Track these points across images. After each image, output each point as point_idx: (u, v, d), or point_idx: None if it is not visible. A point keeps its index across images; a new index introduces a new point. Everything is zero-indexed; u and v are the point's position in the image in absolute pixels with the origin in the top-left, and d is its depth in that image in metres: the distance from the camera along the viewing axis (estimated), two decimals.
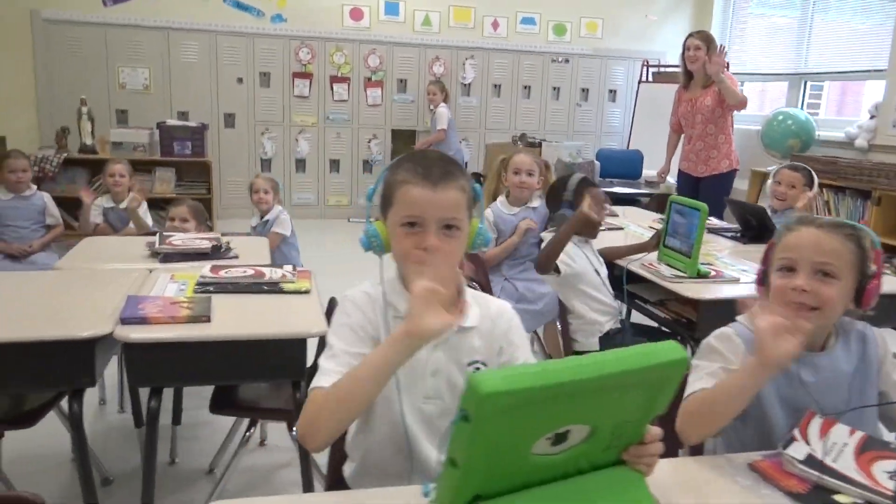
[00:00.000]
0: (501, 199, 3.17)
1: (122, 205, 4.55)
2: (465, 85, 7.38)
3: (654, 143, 6.48)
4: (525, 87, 7.58)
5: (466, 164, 7.15)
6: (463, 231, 1.27)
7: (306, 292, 2.13)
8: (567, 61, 7.60)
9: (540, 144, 5.97)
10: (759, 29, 7.36)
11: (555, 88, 7.66)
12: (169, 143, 5.72)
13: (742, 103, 4.50)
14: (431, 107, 6.78)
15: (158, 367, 1.75)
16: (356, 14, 6.96)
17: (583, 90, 7.76)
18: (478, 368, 1.32)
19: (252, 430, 2.08)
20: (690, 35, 4.70)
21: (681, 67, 4.83)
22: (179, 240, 2.61)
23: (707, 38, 4.61)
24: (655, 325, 2.72)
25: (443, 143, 6.64)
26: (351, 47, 6.99)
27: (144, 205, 4.59)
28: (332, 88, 7.03)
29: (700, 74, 4.64)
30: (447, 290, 1.14)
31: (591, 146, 7.34)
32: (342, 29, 6.96)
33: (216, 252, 2.50)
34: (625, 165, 5.82)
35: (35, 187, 4.43)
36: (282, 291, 2.12)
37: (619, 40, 7.73)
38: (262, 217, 4.29)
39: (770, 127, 6.06)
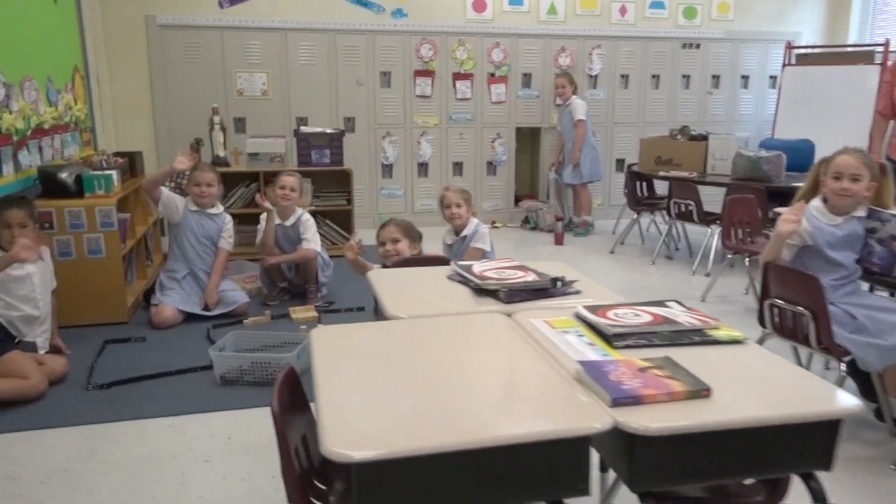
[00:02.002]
0: (817, 203, 2.66)
1: (289, 222, 4.15)
2: (591, 77, 6.87)
3: (805, 130, 5.93)
4: (654, 77, 7.05)
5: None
6: None
7: (740, 342, 1.65)
8: (698, 46, 7.06)
9: (706, 137, 5.44)
10: None
11: (685, 76, 7.13)
12: (306, 151, 5.29)
13: None
14: (559, 101, 6.29)
15: (665, 463, 1.29)
16: (479, 5, 6.49)
17: (714, 77, 7.21)
18: None
19: None
20: None
21: None
22: (491, 270, 2.15)
23: None
24: None
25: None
26: (474, 41, 6.52)
27: (314, 228, 4.19)
28: (454, 86, 6.56)
29: None
30: None
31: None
32: (464, 22, 6.49)
33: (554, 286, 2.03)
34: (795, 157, 5.26)
35: (221, 207, 4.03)
36: (714, 342, 1.64)
37: (750, 22, 7.17)
38: (457, 233, 3.83)
39: None
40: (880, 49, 6.14)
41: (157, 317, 3.73)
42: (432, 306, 1.94)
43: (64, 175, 3.71)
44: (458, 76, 6.55)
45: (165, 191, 3.94)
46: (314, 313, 3.96)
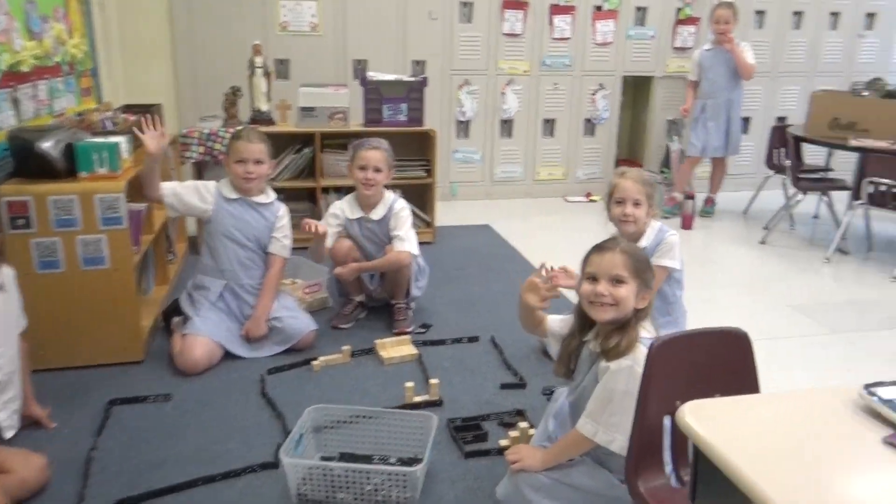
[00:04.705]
0: None
1: (375, 214, 2.90)
2: None
3: None
4: (795, 14, 5.62)
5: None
6: None
7: None
8: None
9: None
10: None
11: (833, 14, 5.68)
12: (376, 106, 3.99)
13: None
14: (711, 44, 4.74)
15: None
16: None
17: (868, 15, 5.76)
18: None
19: None
20: None
21: None
22: None
23: None
24: None
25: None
26: None
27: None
28: (551, 22, 5.18)
29: None
30: None
31: None
32: None
33: None
34: None
35: (273, 193, 2.79)
36: None
37: None
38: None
39: None
40: None
41: (184, 356, 2.52)
42: None
43: (47, 145, 2.46)
44: (556, 9, 5.16)
45: (168, 186, 2.66)
46: (411, 348, 2.74)
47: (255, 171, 2.68)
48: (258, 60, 3.92)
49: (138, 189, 2.63)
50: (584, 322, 1.81)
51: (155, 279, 3.17)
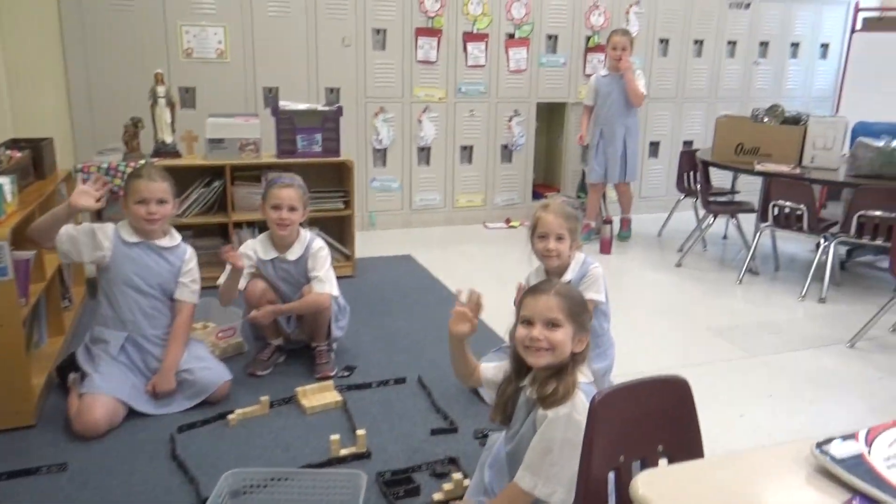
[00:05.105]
0: None
1: (291, 255, 2.75)
2: None
3: (874, 109, 4.94)
4: (696, 42, 5.86)
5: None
6: None
7: None
8: (748, 6, 5.89)
9: (801, 121, 4.27)
10: None
11: (730, 43, 5.96)
12: (290, 136, 3.84)
13: None
14: (603, 70, 4.88)
15: None
16: None
17: (762, 44, 6.08)
18: None
19: None
20: None
21: None
22: None
23: None
24: None
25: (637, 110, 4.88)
26: None
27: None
28: (465, 50, 5.18)
29: None
30: None
31: None
32: None
33: None
34: None
35: (178, 235, 2.60)
36: None
37: None
38: (552, 276, 2.56)
39: None
40: None
41: (82, 417, 2.29)
42: None
43: None
44: (469, 37, 5.17)
45: (64, 230, 2.43)
46: (334, 394, 2.60)
47: (158, 212, 2.49)
48: (161, 90, 3.70)
49: (26, 236, 2.38)
50: (520, 367, 1.74)
51: (48, 330, 2.89)
